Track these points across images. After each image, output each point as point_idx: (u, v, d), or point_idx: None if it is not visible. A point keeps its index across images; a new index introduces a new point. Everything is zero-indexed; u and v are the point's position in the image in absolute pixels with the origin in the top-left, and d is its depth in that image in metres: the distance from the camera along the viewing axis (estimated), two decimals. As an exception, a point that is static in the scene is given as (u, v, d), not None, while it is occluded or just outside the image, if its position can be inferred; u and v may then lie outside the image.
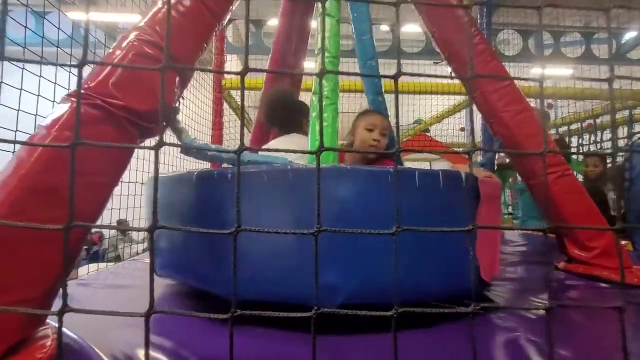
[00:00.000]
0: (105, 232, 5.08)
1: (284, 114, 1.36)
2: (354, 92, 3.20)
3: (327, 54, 1.15)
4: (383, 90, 1.62)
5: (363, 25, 1.59)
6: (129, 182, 2.15)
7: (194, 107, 2.81)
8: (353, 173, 0.83)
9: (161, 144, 0.37)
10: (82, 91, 0.65)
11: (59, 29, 1.47)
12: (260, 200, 0.82)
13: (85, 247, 5.35)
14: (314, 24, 1.94)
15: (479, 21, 3.51)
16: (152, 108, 0.70)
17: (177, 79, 0.79)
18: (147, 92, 0.70)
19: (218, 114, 2.82)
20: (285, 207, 0.82)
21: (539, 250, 1.73)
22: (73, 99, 0.64)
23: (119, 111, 0.65)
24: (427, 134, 4.05)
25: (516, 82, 1.40)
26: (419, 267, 0.80)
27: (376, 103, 1.60)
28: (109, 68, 0.67)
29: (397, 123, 0.43)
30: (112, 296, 1.13)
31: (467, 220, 0.88)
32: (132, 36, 0.72)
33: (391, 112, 1.90)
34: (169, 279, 1.06)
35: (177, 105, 0.84)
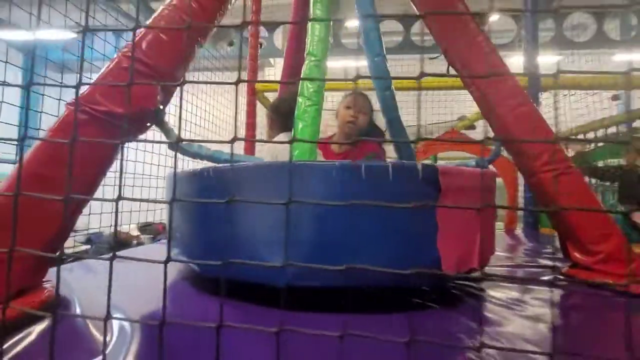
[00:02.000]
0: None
1: (284, 119, 1.46)
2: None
3: (312, 57, 1.23)
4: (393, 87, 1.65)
5: (369, 22, 1.62)
6: (150, 187, 2.39)
7: (227, 110, 3.06)
8: (301, 169, 0.88)
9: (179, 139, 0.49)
10: (80, 100, 0.83)
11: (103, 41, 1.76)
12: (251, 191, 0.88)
13: (151, 236, 6.07)
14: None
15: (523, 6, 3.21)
16: (131, 112, 0.86)
17: (163, 89, 0.94)
18: (126, 98, 0.86)
19: (251, 115, 3.04)
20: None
21: (553, 252, 1.59)
22: (69, 107, 0.82)
23: (102, 115, 0.82)
24: (461, 131, 3.82)
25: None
26: (367, 254, 0.84)
27: (384, 99, 1.62)
28: (99, 80, 0.84)
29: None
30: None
31: (422, 211, 0.89)
32: (119, 53, 0.89)
33: (406, 108, 1.89)
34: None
35: (163, 108, 0.99)
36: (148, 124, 0.95)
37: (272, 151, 1.34)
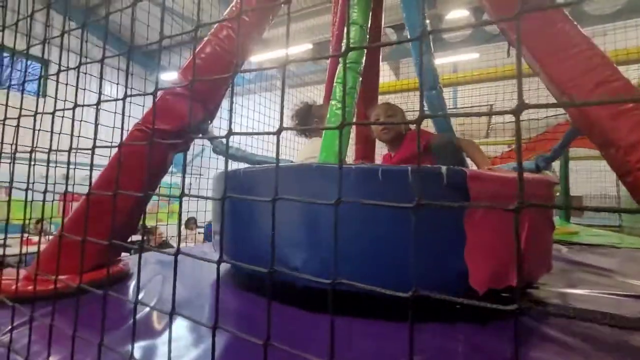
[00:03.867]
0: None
1: (302, 124, 1.55)
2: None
3: (347, 59, 1.24)
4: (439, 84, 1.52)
5: (414, 18, 1.52)
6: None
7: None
8: (317, 171, 0.89)
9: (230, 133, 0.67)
10: (140, 122, 1.08)
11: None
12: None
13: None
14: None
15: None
16: (177, 128, 1.06)
17: (200, 107, 1.13)
18: (173, 117, 1.07)
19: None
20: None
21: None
22: (134, 127, 1.08)
23: (154, 132, 1.04)
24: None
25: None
26: (385, 261, 0.81)
27: (430, 98, 1.51)
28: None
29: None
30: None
31: (448, 219, 0.79)
32: (170, 82, 1.11)
33: (451, 103, 1.68)
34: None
35: (209, 122, 1.18)
36: (194, 135, 1.15)
37: (306, 154, 1.41)
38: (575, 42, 0.98)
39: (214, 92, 1.17)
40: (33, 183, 0.66)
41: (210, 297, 1.00)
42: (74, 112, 0.62)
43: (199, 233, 5.40)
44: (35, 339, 0.62)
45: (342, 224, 0.80)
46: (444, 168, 0.81)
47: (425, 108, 1.58)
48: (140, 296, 0.92)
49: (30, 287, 0.83)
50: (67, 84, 0.96)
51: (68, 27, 0.68)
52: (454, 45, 5.84)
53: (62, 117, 0.97)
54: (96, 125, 0.61)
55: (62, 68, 0.66)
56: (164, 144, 1.07)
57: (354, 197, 0.81)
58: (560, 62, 0.99)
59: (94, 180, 1.05)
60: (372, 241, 0.83)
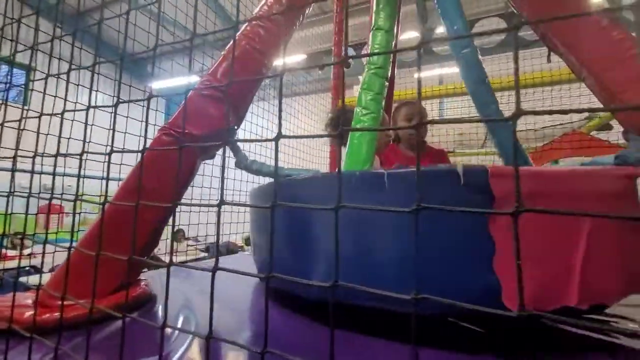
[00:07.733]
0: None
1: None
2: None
3: (372, 65, 1.19)
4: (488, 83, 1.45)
5: (451, 14, 1.49)
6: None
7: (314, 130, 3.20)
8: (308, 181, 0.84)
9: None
10: (167, 125, 0.98)
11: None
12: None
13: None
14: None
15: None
16: (206, 132, 0.97)
17: (231, 111, 1.04)
18: (202, 121, 0.98)
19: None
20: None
21: None
22: (160, 131, 0.98)
23: (183, 136, 0.95)
24: (585, 132, 3.05)
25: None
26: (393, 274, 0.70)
27: (478, 93, 1.44)
28: (182, 107, 0.98)
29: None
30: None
31: (466, 224, 0.68)
32: (198, 83, 1.02)
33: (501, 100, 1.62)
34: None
35: (235, 129, 1.09)
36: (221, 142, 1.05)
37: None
38: (627, 46, 0.96)
39: (244, 96, 1.08)
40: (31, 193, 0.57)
41: (257, 322, 0.89)
42: (71, 117, 0.56)
43: (188, 246, 5.17)
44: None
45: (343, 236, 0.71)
46: (459, 167, 0.68)
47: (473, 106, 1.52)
48: (179, 322, 0.81)
49: (45, 316, 0.71)
50: (55, 96, 0.90)
51: (60, 33, 0.62)
52: (443, 58, 5.93)
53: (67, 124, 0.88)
54: (86, 129, 0.56)
55: (51, 74, 0.61)
56: (195, 150, 0.98)
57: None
58: (613, 66, 0.97)
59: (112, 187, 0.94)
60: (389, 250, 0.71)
